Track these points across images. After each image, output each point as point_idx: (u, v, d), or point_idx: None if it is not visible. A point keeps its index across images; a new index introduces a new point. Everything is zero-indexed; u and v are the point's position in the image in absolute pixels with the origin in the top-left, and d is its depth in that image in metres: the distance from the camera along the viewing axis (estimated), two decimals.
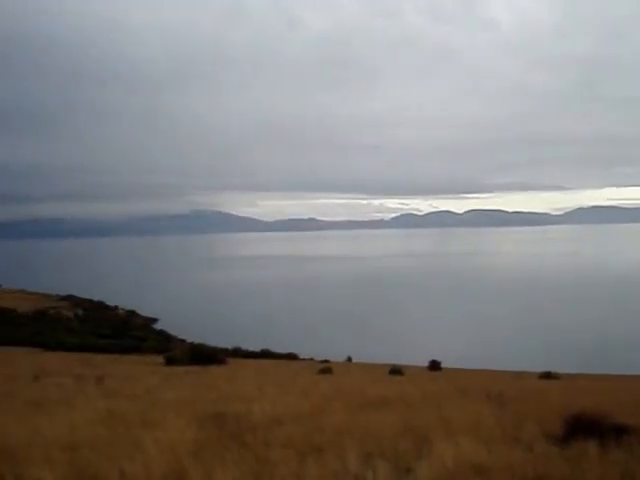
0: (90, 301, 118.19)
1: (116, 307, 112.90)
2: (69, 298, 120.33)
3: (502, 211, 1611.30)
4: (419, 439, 7.46)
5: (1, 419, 9.27)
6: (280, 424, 8.68)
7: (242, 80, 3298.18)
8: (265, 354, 47.37)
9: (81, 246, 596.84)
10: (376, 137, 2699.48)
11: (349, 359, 48.63)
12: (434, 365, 36.09)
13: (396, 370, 27.34)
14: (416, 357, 43.24)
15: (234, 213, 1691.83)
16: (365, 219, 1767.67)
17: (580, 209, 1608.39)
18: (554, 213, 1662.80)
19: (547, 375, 28.54)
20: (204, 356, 29.71)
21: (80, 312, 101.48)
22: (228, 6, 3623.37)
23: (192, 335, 68.99)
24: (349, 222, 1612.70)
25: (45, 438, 7.66)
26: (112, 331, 70.19)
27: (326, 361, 39.56)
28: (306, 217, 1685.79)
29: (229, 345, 47.50)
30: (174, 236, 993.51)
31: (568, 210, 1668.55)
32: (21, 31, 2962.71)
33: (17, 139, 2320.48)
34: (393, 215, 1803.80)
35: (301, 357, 48.91)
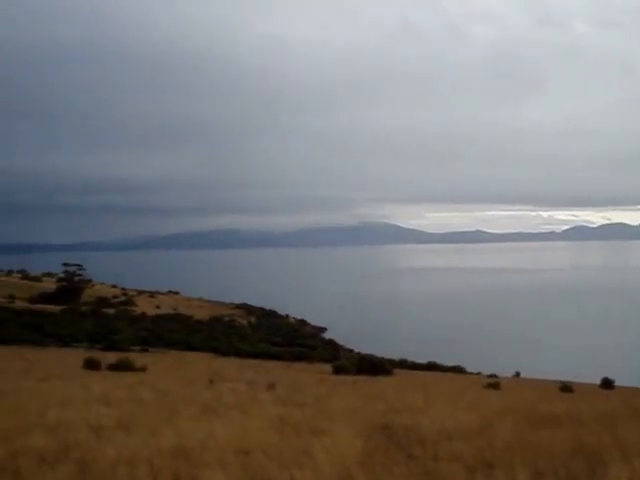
0: (262, 309, 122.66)
1: (287, 316, 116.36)
2: (243, 306, 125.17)
3: None
4: (592, 459, 7.11)
5: (179, 421, 9.75)
6: (449, 438, 8.55)
7: (407, 94, 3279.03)
8: (431, 366, 46.76)
9: (254, 256, 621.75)
10: (543, 148, 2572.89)
11: (517, 374, 47.04)
12: (607, 383, 34.10)
13: (566, 387, 26.15)
14: (586, 374, 41.05)
15: (401, 225, 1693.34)
16: (534, 231, 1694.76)
17: None
18: None
19: None
20: (371, 366, 29.81)
21: (253, 320, 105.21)
22: (393, 21, 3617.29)
23: (359, 345, 69.72)
24: (517, 234, 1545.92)
25: (219, 441, 7.97)
26: (283, 339, 72.12)
27: (494, 375, 38.45)
28: (473, 229, 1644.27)
29: (395, 356, 47.38)
30: (343, 247, 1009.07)
31: None
32: (186, 50, 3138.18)
33: (194, 155, 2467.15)
34: (564, 227, 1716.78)
35: (468, 371, 47.88)
